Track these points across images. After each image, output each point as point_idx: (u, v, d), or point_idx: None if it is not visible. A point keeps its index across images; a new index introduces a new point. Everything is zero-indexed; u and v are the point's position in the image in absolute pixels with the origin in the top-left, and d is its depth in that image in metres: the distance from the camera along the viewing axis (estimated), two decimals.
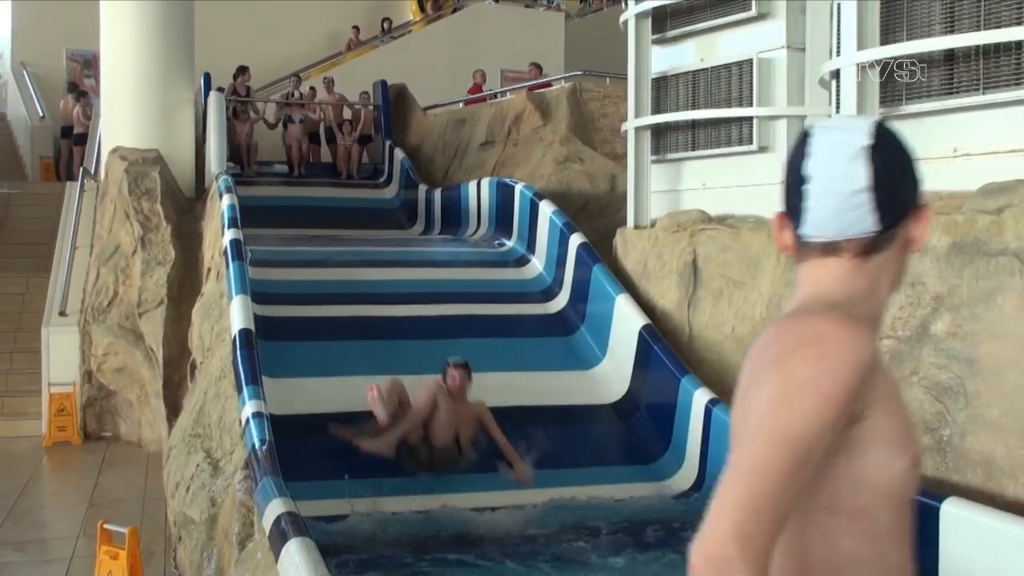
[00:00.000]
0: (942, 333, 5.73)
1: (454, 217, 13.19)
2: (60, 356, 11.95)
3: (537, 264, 10.49)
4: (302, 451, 6.90)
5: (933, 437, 5.72)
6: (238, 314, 8.06)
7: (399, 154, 16.21)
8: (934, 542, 5.14)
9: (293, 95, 17.48)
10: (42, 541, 8.28)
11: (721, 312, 8.05)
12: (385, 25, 22.35)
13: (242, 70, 16.83)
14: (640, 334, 8.20)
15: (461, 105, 17.83)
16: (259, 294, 8.92)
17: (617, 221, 9.76)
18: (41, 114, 18.12)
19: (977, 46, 5.97)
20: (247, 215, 10.78)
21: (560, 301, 9.65)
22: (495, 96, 17.48)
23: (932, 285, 5.80)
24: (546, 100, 14.54)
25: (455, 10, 22.75)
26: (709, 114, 8.53)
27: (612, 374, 8.47)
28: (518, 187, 11.39)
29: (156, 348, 11.50)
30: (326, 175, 16.81)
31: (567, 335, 9.18)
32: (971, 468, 5.49)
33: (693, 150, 8.78)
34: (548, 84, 16.51)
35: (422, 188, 14.74)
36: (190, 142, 13.93)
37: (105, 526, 6.92)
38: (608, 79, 15.36)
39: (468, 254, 11.52)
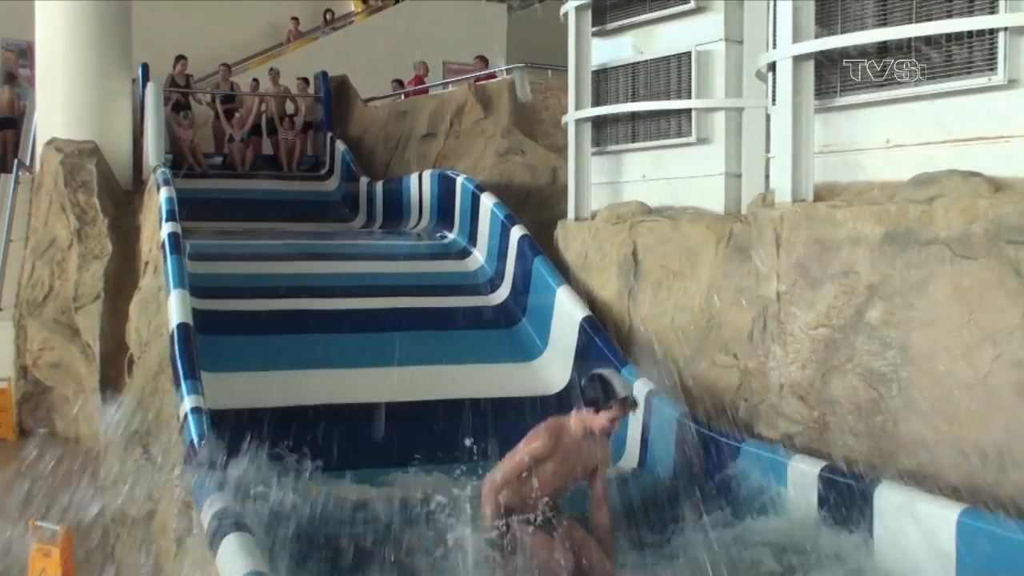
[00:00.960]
0: (876, 321, 5.82)
1: (396, 209, 13.14)
2: None
3: (479, 256, 10.48)
4: (240, 445, 6.83)
5: (868, 423, 5.82)
6: (176, 308, 7.97)
7: (340, 146, 16.11)
8: (869, 524, 5.24)
9: (219, 87, 17.31)
10: None
11: (661, 303, 8.10)
12: (327, 16, 22.20)
13: (180, 59, 16.65)
14: (581, 325, 8.23)
15: (402, 97, 17.76)
16: (198, 288, 8.82)
17: (558, 213, 9.79)
18: None
19: (909, 39, 6.06)
20: (186, 208, 10.66)
21: (502, 293, 9.65)
22: (444, 87, 17.40)
23: (865, 274, 5.89)
24: (488, 92, 14.54)
25: (397, 1, 22.66)
26: (648, 106, 8.58)
27: (553, 365, 8.49)
28: (459, 179, 11.38)
29: (93, 343, 11.34)
30: (267, 167, 16.67)
31: (509, 327, 9.18)
32: (904, 453, 5.59)
33: (633, 142, 8.83)
34: (492, 76, 16.49)
35: (363, 180, 14.67)
36: (127, 134, 13.73)
37: (38, 524, 6.82)
38: (550, 71, 15.38)
39: (409, 247, 11.48)
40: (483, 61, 17.68)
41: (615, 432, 5.51)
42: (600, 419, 5.32)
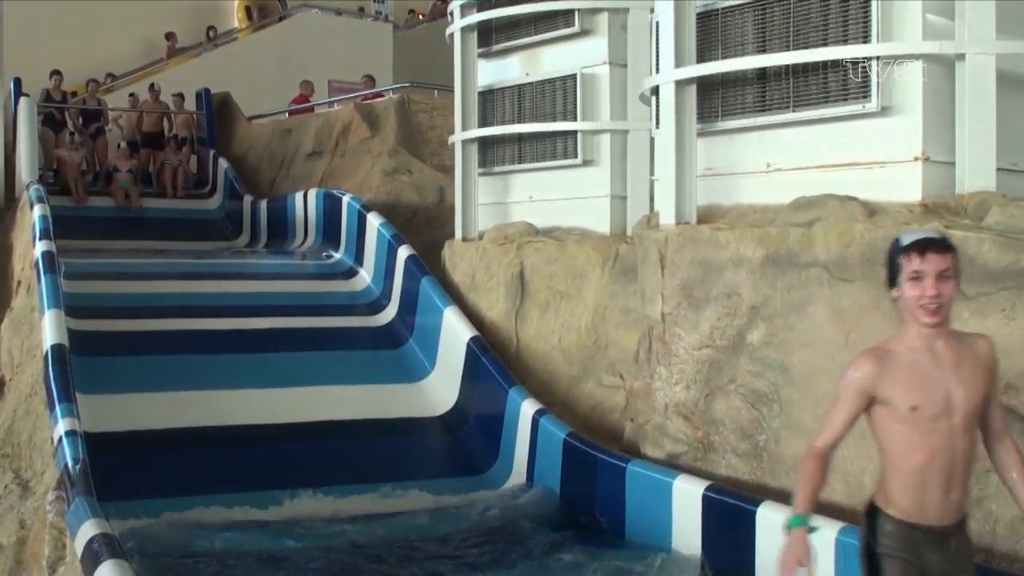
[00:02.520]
0: (758, 342, 5.93)
1: (281, 228, 12.98)
2: None
3: (365, 276, 10.41)
4: (120, 470, 6.65)
5: (750, 443, 5.91)
6: (51, 329, 7.73)
7: (223, 164, 15.86)
8: (751, 544, 5.32)
9: (86, 102, 16.93)
10: None
11: (548, 323, 8.14)
12: (210, 33, 21.86)
13: (55, 73, 16.22)
14: (468, 346, 8.23)
15: (287, 115, 17.58)
16: (74, 308, 8.58)
17: (445, 233, 9.78)
18: None
19: (787, 66, 6.22)
20: (61, 226, 10.36)
21: (388, 313, 9.60)
22: (330, 106, 17.27)
23: (747, 296, 6.00)
24: (374, 111, 14.48)
25: (282, 18, 22.43)
26: (535, 128, 8.65)
27: (440, 386, 8.45)
28: (345, 199, 11.29)
29: None
30: (144, 185, 16.30)
31: (395, 348, 9.13)
32: (785, 472, 5.69)
33: (520, 163, 8.88)
34: (380, 95, 16.45)
35: (247, 199, 14.46)
36: None
37: None
38: (436, 91, 15.40)
39: (295, 266, 11.35)
40: (371, 80, 17.63)
41: (943, 302, 3.25)
42: (906, 293, 3.31)
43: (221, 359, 8.55)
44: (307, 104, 17.81)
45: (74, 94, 17.77)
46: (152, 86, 17.61)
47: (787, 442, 5.72)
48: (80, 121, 16.72)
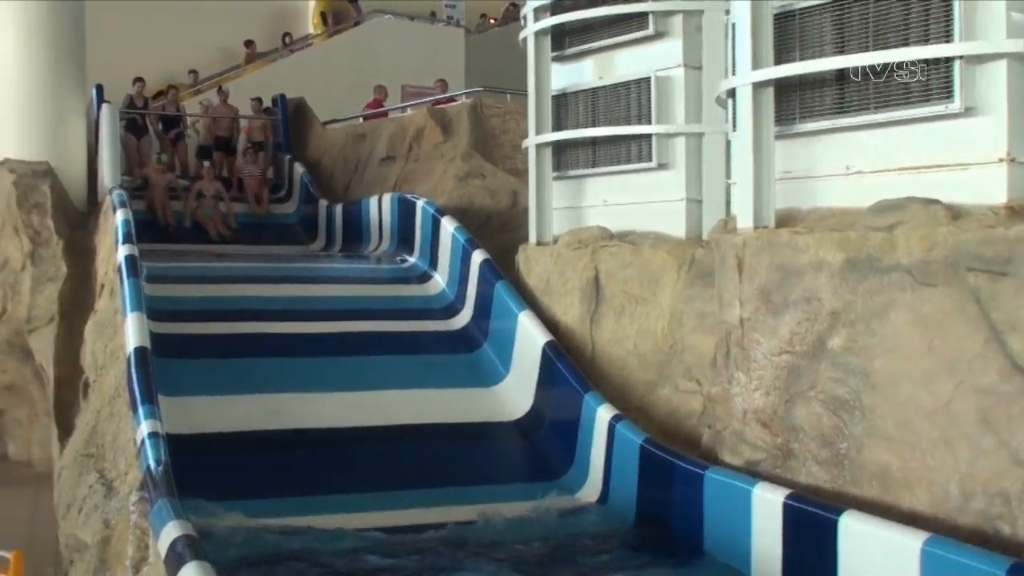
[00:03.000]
0: (838, 348, 5.84)
1: (355, 233, 13.09)
2: None
3: (439, 280, 10.45)
4: (201, 471, 6.75)
5: (831, 450, 5.82)
6: (133, 331, 7.88)
7: (299, 168, 16.05)
8: (833, 554, 5.24)
9: (166, 108, 17.20)
10: None
11: (623, 328, 8.10)
12: (286, 39, 22.16)
13: (138, 80, 16.56)
14: (543, 350, 8.22)
15: (361, 120, 17.73)
16: (155, 311, 8.73)
17: (519, 237, 9.78)
18: None
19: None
20: (142, 230, 10.56)
21: (463, 318, 9.62)
22: (403, 111, 17.39)
23: (828, 301, 5.91)
24: (447, 116, 14.55)
25: (356, 24, 22.65)
26: (609, 131, 8.61)
27: (516, 391, 8.46)
28: (420, 203, 11.36)
29: (46, 366, 11.18)
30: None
31: (470, 352, 9.15)
32: (867, 481, 5.60)
33: (594, 167, 8.85)
34: (452, 100, 16.53)
35: (322, 203, 14.61)
36: (82, 154, 13.60)
37: None
38: (509, 95, 15.43)
39: (369, 270, 11.44)
40: (444, 84, 17.72)
41: None
42: None
43: (297, 363, 8.64)
44: (381, 109, 17.95)
45: (156, 96, 18.10)
46: (220, 89, 17.87)
47: (869, 450, 5.62)
48: (160, 127, 17.01)
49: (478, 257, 9.64)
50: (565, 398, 7.82)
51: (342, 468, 7.42)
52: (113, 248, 10.05)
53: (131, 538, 5.91)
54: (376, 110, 17.97)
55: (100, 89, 15.57)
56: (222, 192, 15.29)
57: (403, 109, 17.56)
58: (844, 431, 5.76)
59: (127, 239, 9.82)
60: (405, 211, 11.69)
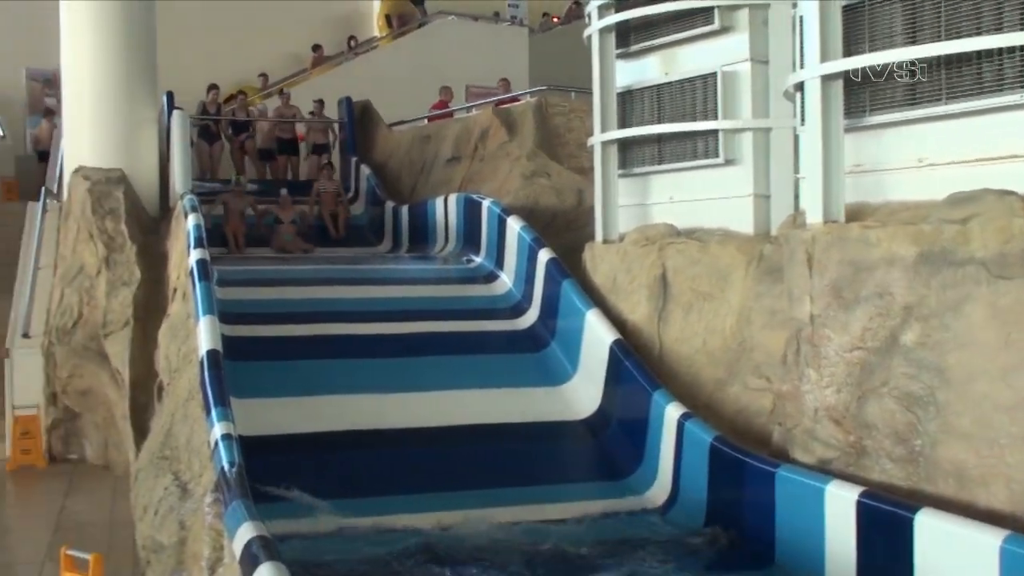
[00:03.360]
0: (911, 343, 5.74)
1: (422, 234, 13.15)
2: (24, 378, 11.81)
3: (506, 280, 10.46)
4: (273, 472, 6.82)
5: (905, 447, 5.73)
6: (205, 335, 7.99)
7: (365, 170, 16.16)
8: (909, 553, 5.16)
9: (235, 113, 17.41)
10: (7, 566, 8.15)
11: (691, 326, 8.05)
12: (351, 42, 22.34)
13: (212, 88, 16.83)
14: (611, 349, 8.19)
15: (426, 121, 17.81)
16: (226, 314, 8.84)
17: (585, 236, 9.76)
18: (1, 134, 17.95)
19: (939, 56, 6.01)
20: (212, 234, 10.69)
21: (530, 317, 9.62)
22: (468, 111, 17.43)
23: (900, 295, 5.82)
24: (512, 115, 14.54)
25: (420, 26, 22.76)
26: (675, 128, 8.55)
27: (583, 389, 8.44)
28: (485, 203, 11.38)
29: (122, 369, 11.38)
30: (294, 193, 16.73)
31: (537, 351, 9.15)
32: (943, 478, 5.50)
33: (660, 164, 8.79)
34: (516, 99, 16.53)
35: (389, 205, 14.70)
36: (154, 161, 13.82)
37: (68, 552, 6.83)
38: (573, 94, 15.39)
39: (436, 271, 11.48)
40: (506, 83, 17.73)
41: None
42: None
43: (365, 363, 8.70)
44: (446, 110, 18.02)
45: (226, 100, 18.34)
46: (282, 92, 18.02)
47: (945, 446, 5.52)
48: (230, 131, 17.24)
49: (544, 256, 9.63)
50: (633, 396, 7.78)
51: (411, 468, 7.46)
52: (185, 252, 10.19)
53: (206, 539, 5.99)
54: (441, 111, 18.03)
55: (171, 96, 15.81)
56: (298, 223, 14.38)
57: (468, 109, 17.59)
58: (918, 428, 5.66)
59: (198, 243, 9.96)
60: (471, 211, 11.72)
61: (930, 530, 5.04)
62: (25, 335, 12.13)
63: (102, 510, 9.60)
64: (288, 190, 15.05)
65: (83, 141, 13.29)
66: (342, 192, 15.59)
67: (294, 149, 17.52)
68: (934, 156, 6.17)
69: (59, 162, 14.67)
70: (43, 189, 14.66)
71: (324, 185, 15.25)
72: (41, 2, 15.87)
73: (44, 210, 13.91)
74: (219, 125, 16.93)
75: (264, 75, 19.63)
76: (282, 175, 17.24)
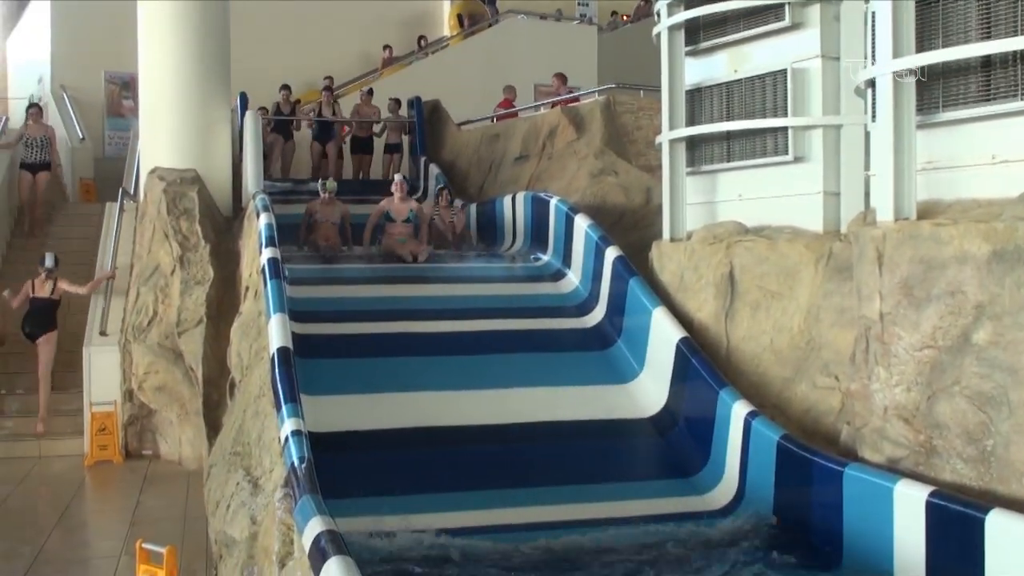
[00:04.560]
0: (984, 342, 5.66)
1: (490, 232, 13.20)
2: (101, 375, 12.05)
3: (573, 278, 10.47)
4: (341, 469, 6.90)
5: (977, 447, 5.65)
6: (276, 332, 8.10)
7: (434, 169, 16.26)
8: (980, 554, 5.08)
9: (320, 111, 17.58)
10: (84, 560, 8.34)
11: (759, 324, 7.99)
12: (421, 42, 22.49)
13: (284, 88, 17.06)
14: (677, 347, 8.16)
15: (493, 120, 17.86)
16: (296, 312, 8.95)
17: (652, 234, 9.73)
18: (81, 136, 18.35)
19: (1014, 52, 5.90)
20: (284, 233, 10.83)
21: (597, 315, 9.62)
22: (535, 110, 17.42)
23: (973, 294, 5.73)
24: (580, 113, 14.54)
25: (490, 25, 22.83)
26: (744, 125, 8.49)
27: (650, 387, 8.42)
28: (553, 201, 11.39)
29: (196, 367, 11.57)
30: (366, 191, 16.89)
31: (604, 349, 9.15)
32: (1016, 479, 5.41)
33: (728, 161, 8.74)
34: (576, 99, 16.49)
35: (457, 203, 14.76)
36: (227, 161, 14.03)
37: (143, 545, 6.98)
38: (642, 91, 15.33)
39: (504, 269, 11.51)
40: (561, 78, 17.57)
41: None
42: None
43: (433, 361, 8.76)
44: (511, 109, 18.05)
45: (298, 102, 18.56)
46: (362, 92, 18.18)
47: (1018, 446, 5.43)
48: (314, 130, 17.43)
49: (611, 254, 9.62)
50: (700, 394, 7.75)
51: (480, 466, 7.49)
52: (257, 251, 10.34)
53: (276, 534, 6.07)
54: (507, 110, 18.07)
55: (244, 97, 16.07)
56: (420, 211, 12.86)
57: (536, 108, 17.59)
58: (990, 427, 5.57)
59: (270, 242, 10.09)
60: (538, 209, 11.74)
61: (1002, 531, 4.96)
62: (103, 333, 12.38)
63: (176, 505, 9.78)
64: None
65: (159, 142, 13.53)
66: (461, 230, 13.15)
67: (370, 148, 17.67)
68: (1008, 153, 6.06)
69: (136, 163, 14.97)
70: (120, 190, 14.97)
71: (442, 214, 13.00)
72: (121, 2, 16.17)
73: (121, 210, 14.20)
74: (291, 124, 17.14)
75: (329, 78, 19.84)
76: (356, 174, 17.44)
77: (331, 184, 12.68)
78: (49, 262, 12.61)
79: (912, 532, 5.54)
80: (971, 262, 5.75)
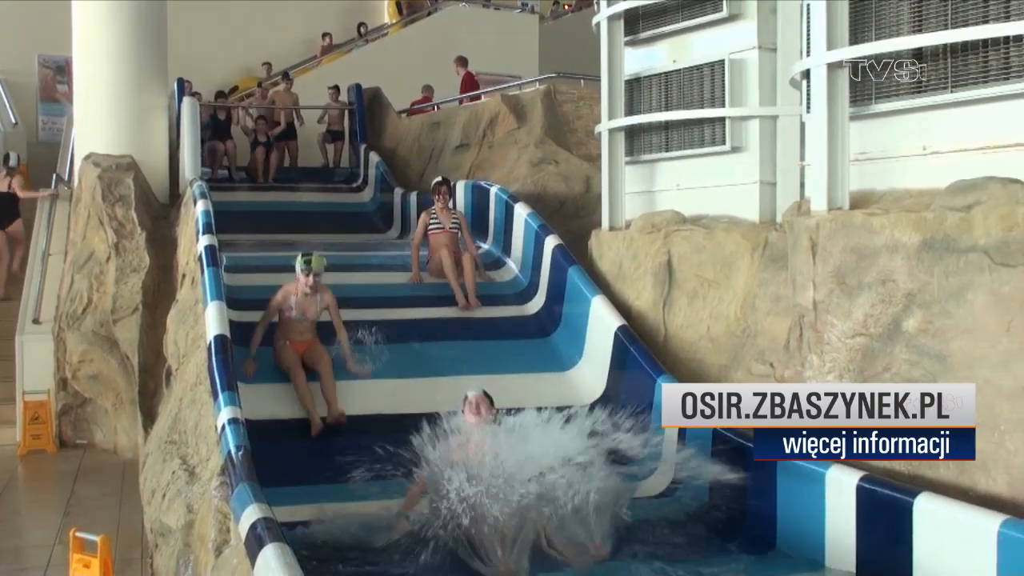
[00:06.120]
0: (913, 330, 5.77)
1: None
2: (34, 364, 11.90)
3: (513, 266, 10.49)
4: (278, 456, 6.87)
5: None
6: (213, 320, 8.03)
7: (374, 157, 16.18)
8: (908, 537, 5.19)
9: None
10: (17, 550, 8.24)
11: (696, 312, 8.07)
12: (361, 29, 22.34)
13: (220, 94, 17.01)
14: (616, 335, 8.22)
15: (407, 116, 17.85)
16: (234, 300, 8.88)
17: (592, 223, 9.78)
18: (14, 121, 18.01)
19: (945, 45, 6.01)
20: (221, 220, 10.73)
21: (536, 303, 9.65)
22: (472, 101, 17.42)
23: (903, 282, 5.84)
24: (521, 102, 14.56)
25: (430, 13, 22.75)
26: (682, 115, 8.57)
27: (588, 376, 8.47)
28: (493, 190, 11.40)
29: (131, 355, 11.45)
30: (304, 179, 16.77)
31: (543, 337, 9.18)
32: (943, 463, 5.52)
33: (667, 151, 8.81)
34: (477, 84, 16.63)
35: (398, 191, 14.71)
36: (164, 148, 13.88)
37: (77, 534, 6.91)
38: (582, 81, 15.39)
39: None
40: (460, 62, 17.62)
41: None
42: None
43: (370, 350, 8.73)
44: (427, 104, 18.09)
45: (235, 88, 18.33)
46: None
47: None
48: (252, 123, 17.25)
49: (551, 243, 9.66)
50: (638, 382, 7.81)
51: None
52: (194, 239, 10.24)
53: (213, 522, 6.05)
54: (423, 104, 18.14)
55: (181, 83, 15.87)
56: None
57: (474, 97, 17.57)
58: None
59: (207, 229, 10.00)
60: (479, 198, 11.74)
61: (929, 514, 5.08)
62: (35, 321, 12.21)
63: (111, 494, 9.68)
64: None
65: (93, 128, 13.36)
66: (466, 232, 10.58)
67: (293, 134, 17.50)
68: (938, 144, 6.18)
69: (70, 149, 14.74)
70: (54, 175, 14.73)
71: (440, 221, 10.33)
72: None
73: (55, 197, 13.99)
74: (228, 128, 16.88)
75: (268, 64, 19.61)
76: (280, 163, 17.17)
77: (318, 262, 8.35)
78: (13, 161, 14.31)
79: (843, 516, 5.64)
80: (902, 251, 5.86)
